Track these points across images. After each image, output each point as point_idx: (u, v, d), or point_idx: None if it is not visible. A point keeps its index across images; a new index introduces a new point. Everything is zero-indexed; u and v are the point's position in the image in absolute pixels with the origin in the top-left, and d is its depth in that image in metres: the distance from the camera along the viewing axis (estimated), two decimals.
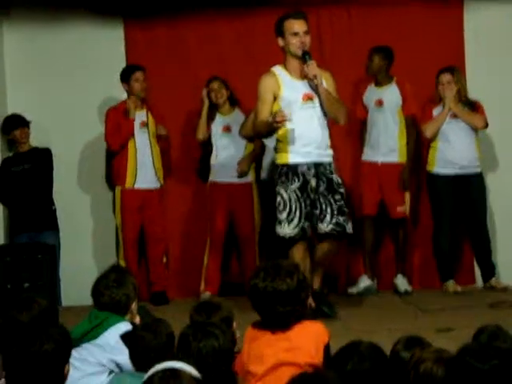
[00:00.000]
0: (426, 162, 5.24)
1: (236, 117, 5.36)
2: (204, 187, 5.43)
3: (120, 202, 5.29)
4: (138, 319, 3.01)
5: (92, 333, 2.90)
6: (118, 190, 5.32)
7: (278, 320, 2.59)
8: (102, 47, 5.60)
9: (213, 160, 5.35)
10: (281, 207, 4.26)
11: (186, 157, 5.58)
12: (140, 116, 5.30)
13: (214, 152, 5.34)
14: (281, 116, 4.17)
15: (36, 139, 5.50)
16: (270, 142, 5.02)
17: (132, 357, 2.68)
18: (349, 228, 4.32)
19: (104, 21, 5.62)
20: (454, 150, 5.11)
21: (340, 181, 4.35)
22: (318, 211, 4.25)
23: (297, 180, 4.26)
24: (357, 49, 5.36)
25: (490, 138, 5.45)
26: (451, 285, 5.11)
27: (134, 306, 3.00)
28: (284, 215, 4.25)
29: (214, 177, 5.34)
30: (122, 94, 5.42)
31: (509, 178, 5.44)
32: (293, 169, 4.28)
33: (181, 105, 5.56)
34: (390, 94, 5.13)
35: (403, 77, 5.23)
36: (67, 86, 5.58)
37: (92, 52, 5.59)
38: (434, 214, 5.22)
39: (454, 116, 5.12)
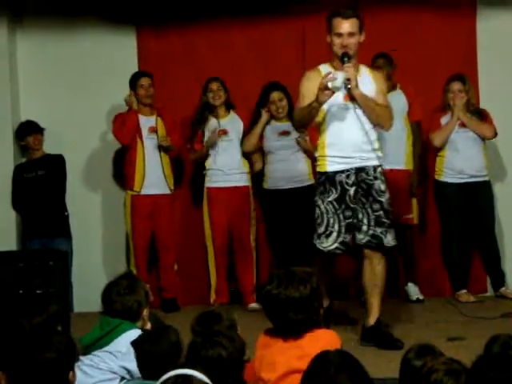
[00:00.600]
0: (432, 170, 5.23)
1: (232, 120, 5.33)
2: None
3: (130, 207, 5.30)
4: (149, 326, 3.01)
5: (103, 339, 2.90)
6: (127, 195, 5.33)
7: (290, 327, 2.59)
8: (114, 55, 5.63)
9: (209, 165, 5.28)
10: (318, 220, 3.95)
11: (197, 164, 5.57)
12: (149, 122, 5.31)
13: (210, 156, 5.27)
14: (327, 78, 3.77)
15: (48, 146, 5.53)
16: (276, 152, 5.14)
17: (138, 364, 2.68)
18: (387, 241, 3.93)
19: (117, 29, 5.65)
20: (462, 159, 5.10)
21: (383, 187, 3.97)
22: (356, 220, 3.94)
23: (334, 191, 3.93)
24: (368, 55, 5.37)
25: (502, 145, 5.42)
26: (464, 295, 5.09)
27: (145, 312, 3.00)
28: (322, 229, 3.95)
29: (211, 182, 5.29)
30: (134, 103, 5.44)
31: None
32: (330, 178, 3.95)
33: (190, 113, 5.57)
34: (397, 101, 5.11)
35: (415, 85, 5.24)
36: (80, 94, 5.60)
37: (105, 60, 5.62)
38: (442, 223, 5.20)
39: (463, 125, 5.11)
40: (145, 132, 5.29)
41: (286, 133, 5.24)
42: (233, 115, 5.34)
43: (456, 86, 5.07)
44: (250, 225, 5.28)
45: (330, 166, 3.94)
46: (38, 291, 4.62)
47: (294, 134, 5.17)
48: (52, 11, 5.63)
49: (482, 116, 5.14)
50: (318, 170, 4.02)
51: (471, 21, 5.44)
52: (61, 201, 5.46)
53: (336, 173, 3.93)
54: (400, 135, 5.10)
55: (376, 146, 4.01)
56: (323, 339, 2.59)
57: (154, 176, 5.26)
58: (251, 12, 5.61)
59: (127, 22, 5.66)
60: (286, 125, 5.23)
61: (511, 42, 5.39)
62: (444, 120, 5.15)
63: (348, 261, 5.39)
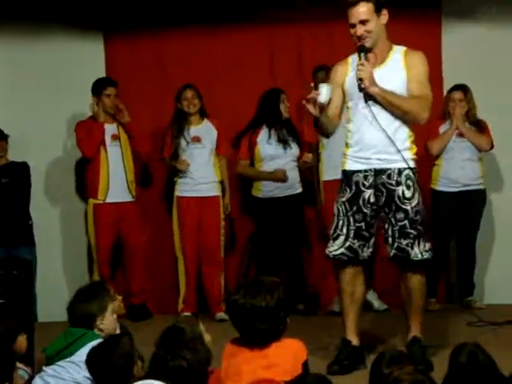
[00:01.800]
0: (427, 179, 5.15)
1: (206, 128, 5.31)
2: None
3: (93, 216, 5.26)
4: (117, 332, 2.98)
5: (67, 350, 2.87)
6: (90, 204, 5.28)
7: (256, 337, 2.58)
8: (82, 62, 5.58)
9: (181, 173, 5.25)
10: (332, 223, 3.67)
11: (165, 171, 5.54)
12: (111, 129, 5.28)
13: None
14: (311, 95, 3.51)
15: (12, 153, 5.44)
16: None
17: (92, 377, 2.66)
18: (415, 254, 3.52)
19: (85, 35, 5.61)
20: (457, 169, 5.13)
21: (408, 194, 3.54)
22: (384, 231, 3.60)
23: (348, 190, 3.61)
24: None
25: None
26: (433, 303, 5.12)
27: (111, 317, 2.96)
28: (331, 231, 3.65)
29: (181, 191, 5.26)
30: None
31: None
32: (347, 177, 3.63)
33: (162, 120, 5.55)
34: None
35: None
36: (46, 101, 5.54)
37: (72, 67, 5.57)
38: (433, 231, 5.10)
39: (460, 135, 5.15)
40: (108, 140, 5.26)
41: (283, 141, 5.25)
42: (206, 123, 5.33)
43: (457, 95, 5.12)
44: (219, 235, 5.27)
45: (348, 164, 3.65)
46: (0, 300, 4.55)
47: (291, 143, 5.21)
48: (19, 17, 5.56)
49: (481, 127, 5.19)
50: (341, 168, 3.75)
51: (436, 33, 5.50)
52: (25, 209, 5.39)
53: (354, 172, 3.61)
54: None
55: (406, 145, 3.58)
56: (289, 349, 2.59)
57: (117, 184, 5.23)
58: (220, 20, 5.62)
59: (95, 29, 5.63)
60: (282, 133, 5.26)
61: (476, 54, 5.47)
62: (443, 128, 5.18)
63: (318, 270, 5.47)
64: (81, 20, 5.60)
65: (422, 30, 5.45)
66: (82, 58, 5.59)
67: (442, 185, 5.19)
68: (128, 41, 5.65)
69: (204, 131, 5.29)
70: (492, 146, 5.20)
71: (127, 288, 5.33)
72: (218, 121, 5.36)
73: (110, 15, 5.61)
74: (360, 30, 3.54)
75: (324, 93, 3.53)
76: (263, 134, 5.27)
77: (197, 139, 5.26)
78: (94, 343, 2.80)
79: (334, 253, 3.62)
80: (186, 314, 5.22)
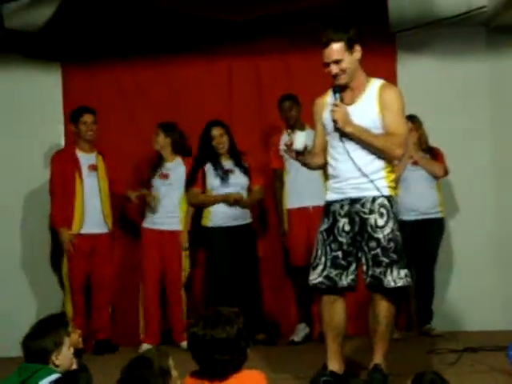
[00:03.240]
0: None
1: (176, 164, 5.34)
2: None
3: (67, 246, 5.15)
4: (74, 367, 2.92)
5: None
6: (64, 234, 5.16)
7: (216, 369, 2.55)
8: (39, 92, 5.56)
9: (149, 207, 5.29)
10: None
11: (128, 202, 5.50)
12: (89, 159, 5.24)
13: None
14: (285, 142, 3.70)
15: None
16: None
17: None
18: (387, 282, 3.52)
19: (42, 65, 5.58)
20: (414, 197, 5.19)
21: (381, 222, 3.56)
22: (344, 256, 3.63)
23: (326, 220, 3.67)
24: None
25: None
26: (394, 332, 5.12)
27: (67, 352, 2.89)
28: (311, 261, 3.70)
29: (147, 223, 5.29)
30: (58, 140, 5.37)
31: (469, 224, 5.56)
32: (327, 207, 3.70)
33: (119, 150, 5.53)
34: (310, 140, 5.21)
35: None
36: (4, 131, 5.50)
37: (30, 97, 5.55)
38: None
39: (415, 163, 5.23)
40: (85, 170, 5.21)
41: (229, 171, 5.28)
42: (177, 159, 5.35)
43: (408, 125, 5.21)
44: (181, 268, 5.27)
45: (328, 195, 3.71)
46: None
47: (238, 173, 5.24)
48: None
49: (434, 154, 5.28)
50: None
51: (391, 65, 5.61)
52: None
53: (332, 202, 3.68)
54: (319, 172, 5.12)
55: (380, 174, 3.62)
56: (249, 380, 2.56)
57: (93, 215, 5.18)
58: (179, 50, 5.65)
59: (52, 59, 5.60)
60: (229, 163, 5.29)
61: (431, 85, 5.59)
62: None
63: (279, 300, 5.47)
64: (38, 50, 5.57)
65: (377, 61, 5.55)
66: (40, 89, 5.55)
67: (399, 214, 5.24)
68: (86, 71, 5.63)
69: (173, 168, 5.33)
70: (446, 173, 5.29)
71: (90, 323, 5.25)
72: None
73: (68, 46, 5.59)
74: (334, 69, 3.60)
75: (299, 140, 3.63)
76: (208, 165, 5.29)
77: (165, 176, 5.30)
78: (51, 378, 2.74)
79: (314, 281, 3.65)
80: (146, 345, 5.17)
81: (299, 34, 5.56)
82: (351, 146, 3.60)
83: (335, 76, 3.60)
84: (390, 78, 5.62)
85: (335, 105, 3.60)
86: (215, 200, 5.23)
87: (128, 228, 5.58)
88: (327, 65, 3.61)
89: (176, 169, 5.33)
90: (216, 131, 5.26)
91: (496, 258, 5.58)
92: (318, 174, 5.12)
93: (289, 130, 3.54)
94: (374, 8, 5.45)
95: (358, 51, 3.63)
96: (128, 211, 5.58)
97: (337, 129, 3.60)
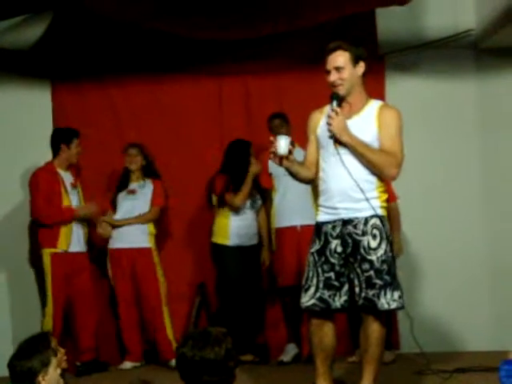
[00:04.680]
0: None
1: (144, 183, 5.36)
2: None
3: (50, 266, 5.07)
4: None
5: None
6: (46, 253, 5.10)
7: None
8: (29, 111, 5.54)
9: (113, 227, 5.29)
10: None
11: None
12: (69, 177, 5.23)
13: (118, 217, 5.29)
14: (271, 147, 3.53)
15: None
16: None
17: None
18: (381, 304, 3.48)
19: (31, 84, 5.57)
20: None
21: (374, 244, 3.50)
22: (351, 280, 3.56)
23: (317, 241, 3.59)
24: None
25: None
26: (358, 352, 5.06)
27: (54, 373, 2.86)
28: (303, 282, 3.64)
29: (114, 243, 5.28)
30: (47, 157, 5.35)
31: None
32: (318, 228, 3.61)
33: (108, 168, 5.52)
34: (299, 157, 5.22)
35: None
36: None
37: (18, 115, 5.52)
38: None
39: None
40: (68, 187, 5.19)
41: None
42: (146, 180, 5.36)
43: None
44: (157, 284, 5.23)
45: (319, 216, 3.63)
46: None
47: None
48: None
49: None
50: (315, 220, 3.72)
51: (380, 85, 5.65)
52: None
53: (323, 223, 3.59)
54: (305, 189, 5.07)
55: (373, 194, 3.55)
56: None
57: (76, 233, 5.15)
58: (169, 69, 5.67)
59: (42, 77, 5.60)
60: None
61: (419, 106, 5.63)
62: None
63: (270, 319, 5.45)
64: (28, 68, 5.56)
65: (367, 81, 5.57)
66: (29, 107, 5.55)
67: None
68: (76, 89, 5.63)
69: (140, 185, 5.34)
70: (395, 198, 5.08)
71: (76, 344, 5.17)
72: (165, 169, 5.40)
73: (58, 63, 5.59)
74: (334, 76, 3.56)
75: (282, 145, 3.53)
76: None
77: (131, 191, 5.32)
78: None
79: (306, 304, 3.59)
80: (127, 363, 5.17)
81: (289, 54, 5.60)
82: (346, 158, 3.52)
83: (333, 84, 3.56)
84: (379, 98, 5.66)
85: (333, 111, 3.52)
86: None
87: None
88: (328, 72, 3.57)
89: (144, 186, 5.34)
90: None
91: (487, 280, 5.58)
92: (307, 192, 5.16)
93: (271, 137, 3.49)
94: (364, 30, 5.51)
95: (361, 67, 3.60)
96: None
97: (331, 137, 3.53)
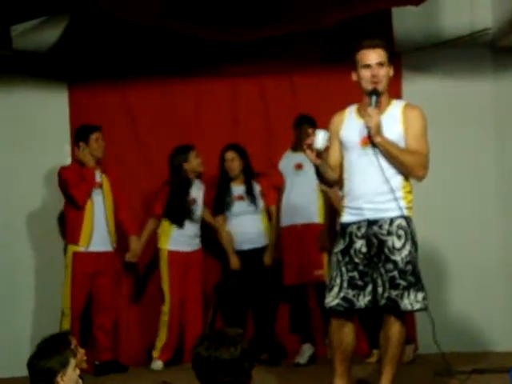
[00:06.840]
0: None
1: (198, 187, 5.42)
2: None
3: (71, 264, 5.11)
4: None
5: None
6: (69, 251, 5.14)
7: None
8: (46, 112, 5.58)
9: (172, 230, 5.36)
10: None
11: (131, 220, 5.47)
12: (96, 175, 5.23)
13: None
14: (307, 140, 3.48)
15: None
16: None
17: None
18: (404, 305, 3.47)
19: (49, 85, 5.61)
20: None
21: (398, 244, 3.49)
22: (374, 280, 3.54)
23: (342, 241, 3.57)
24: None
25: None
26: (376, 353, 4.98)
27: (72, 373, 2.88)
28: (327, 283, 3.64)
29: (171, 245, 5.32)
30: (65, 160, 5.39)
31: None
32: (343, 228, 3.59)
33: (125, 170, 5.54)
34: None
35: None
36: (12, 152, 5.50)
37: (36, 118, 5.56)
38: None
39: None
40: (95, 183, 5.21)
41: (241, 197, 5.37)
42: (198, 182, 5.43)
43: None
44: (201, 288, 5.34)
45: (344, 216, 3.60)
46: None
47: (247, 198, 5.31)
48: None
49: None
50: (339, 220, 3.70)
51: (397, 84, 5.62)
52: None
53: (348, 224, 3.57)
54: (313, 188, 5.09)
55: (399, 194, 3.52)
56: None
57: (100, 232, 5.16)
58: (184, 70, 5.68)
59: (59, 79, 5.63)
60: (242, 188, 5.35)
61: (435, 105, 5.59)
62: None
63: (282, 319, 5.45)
64: (45, 70, 5.60)
65: None
66: (47, 109, 5.58)
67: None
68: (92, 91, 5.66)
69: (198, 191, 5.42)
70: None
71: (94, 344, 5.20)
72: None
73: (74, 65, 5.63)
74: (377, 70, 3.53)
75: (320, 139, 3.45)
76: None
77: (193, 201, 5.38)
78: None
79: (331, 304, 3.56)
80: (159, 362, 5.22)
81: (305, 54, 5.59)
82: (375, 159, 3.50)
83: (375, 79, 3.52)
84: (395, 98, 5.66)
85: (371, 110, 3.48)
86: None
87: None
88: (368, 66, 3.54)
89: (199, 191, 5.43)
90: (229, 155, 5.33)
91: (505, 281, 5.54)
92: (312, 191, 5.14)
93: (310, 129, 3.43)
94: (380, 29, 5.46)
95: (392, 69, 3.63)
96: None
97: (369, 137, 3.48)
